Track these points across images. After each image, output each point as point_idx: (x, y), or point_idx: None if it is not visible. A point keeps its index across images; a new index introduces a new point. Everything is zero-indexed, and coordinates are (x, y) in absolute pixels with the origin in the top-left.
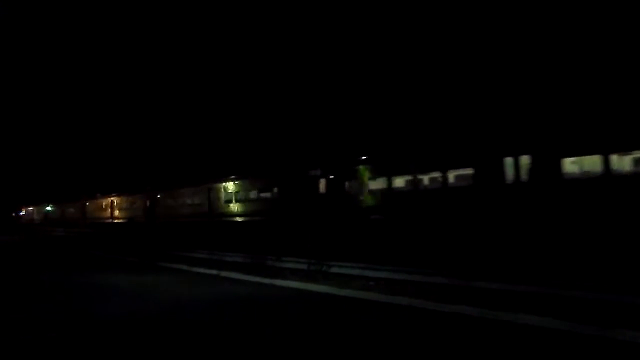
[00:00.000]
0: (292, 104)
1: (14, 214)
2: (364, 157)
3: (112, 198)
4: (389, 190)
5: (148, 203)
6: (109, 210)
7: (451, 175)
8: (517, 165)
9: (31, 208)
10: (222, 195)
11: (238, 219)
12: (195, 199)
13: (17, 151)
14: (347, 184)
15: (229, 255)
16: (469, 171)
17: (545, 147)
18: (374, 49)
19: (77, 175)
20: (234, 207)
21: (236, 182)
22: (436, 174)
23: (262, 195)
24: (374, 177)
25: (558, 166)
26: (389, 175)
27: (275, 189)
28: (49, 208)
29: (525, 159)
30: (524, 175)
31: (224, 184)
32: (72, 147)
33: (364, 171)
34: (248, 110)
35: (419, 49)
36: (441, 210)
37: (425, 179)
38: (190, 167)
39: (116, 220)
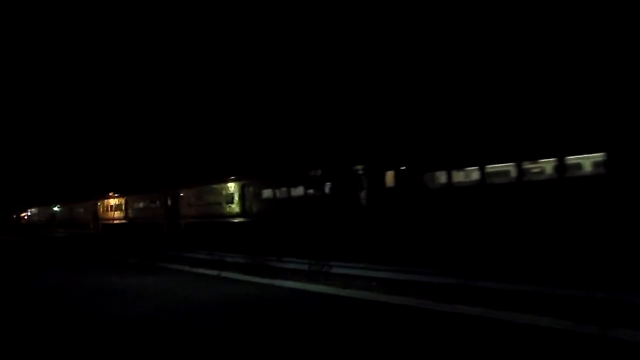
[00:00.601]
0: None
1: (14, 215)
2: (443, 144)
3: (126, 197)
4: (482, 182)
5: (170, 202)
6: (124, 210)
7: (570, 162)
8: None
9: (36, 209)
10: (261, 193)
11: (281, 219)
12: (228, 197)
13: (19, 151)
14: (425, 175)
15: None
16: (594, 157)
17: None
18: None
19: (84, 175)
20: (274, 205)
21: (279, 178)
22: (548, 161)
23: (310, 192)
24: (458, 167)
25: None
26: (480, 163)
27: (328, 185)
28: (56, 208)
29: None
30: None
31: (264, 179)
32: (78, 146)
33: (446, 161)
34: (286, 103)
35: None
36: (567, 207)
37: (531, 167)
38: (215, 163)
39: (133, 221)
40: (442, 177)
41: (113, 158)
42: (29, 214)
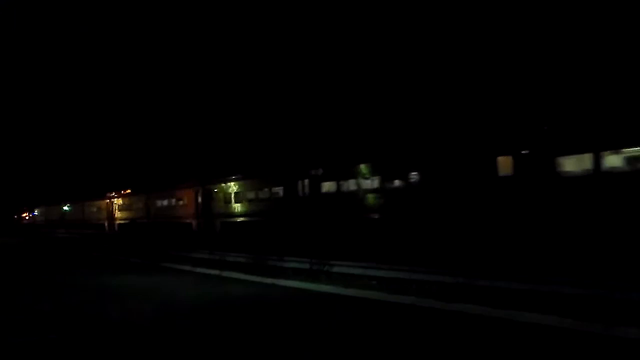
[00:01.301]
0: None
1: (15, 216)
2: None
3: (147, 194)
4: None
5: (200, 199)
6: (145, 208)
7: None
8: None
9: (42, 209)
10: (320, 186)
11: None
12: (275, 193)
13: (22, 147)
14: (560, 160)
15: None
16: None
17: None
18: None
19: (95, 172)
20: (335, 200)
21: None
22: None
23: (387, 185)
24: (613, 148)
25: None
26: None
27: (414, 174)
28: (65, 208)
29: None
30: None
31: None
32: (87, 142)
33: (596, 141)
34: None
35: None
36: None
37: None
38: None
39: (155, 221)
40: (587, 161)
41: (127, 154)
42: (34, 213)
